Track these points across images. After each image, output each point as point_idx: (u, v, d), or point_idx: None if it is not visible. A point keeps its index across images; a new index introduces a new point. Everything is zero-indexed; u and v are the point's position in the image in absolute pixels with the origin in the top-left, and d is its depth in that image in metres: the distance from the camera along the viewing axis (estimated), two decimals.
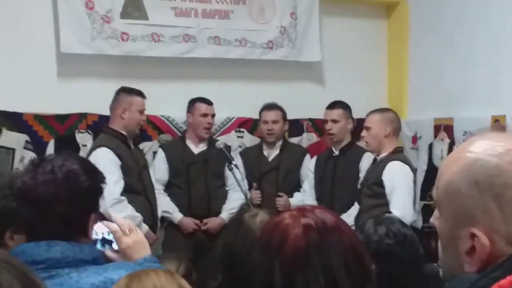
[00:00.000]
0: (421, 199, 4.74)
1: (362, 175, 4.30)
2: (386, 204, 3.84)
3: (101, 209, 3.82)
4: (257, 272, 1.39)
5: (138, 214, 3.99)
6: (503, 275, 0.95)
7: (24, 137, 4.41)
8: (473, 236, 1.01)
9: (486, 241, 0.99)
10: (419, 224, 4.68)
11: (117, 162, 3.96)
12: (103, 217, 3.69)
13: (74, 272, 1.65)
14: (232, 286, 1.89)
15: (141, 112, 4.17)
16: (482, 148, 1.04)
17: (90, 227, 1.77)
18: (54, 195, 1.66)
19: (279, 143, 4.73)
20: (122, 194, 3.93)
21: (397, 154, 4.02)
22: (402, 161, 3.96)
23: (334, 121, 4.49)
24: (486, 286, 0.94)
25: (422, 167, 4.81)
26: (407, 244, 2.00)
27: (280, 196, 4.57)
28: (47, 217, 1.67)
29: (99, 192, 1.77)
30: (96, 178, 1.76)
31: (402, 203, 3.78)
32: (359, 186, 4.25)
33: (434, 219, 1.14)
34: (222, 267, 1.93)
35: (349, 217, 4.00)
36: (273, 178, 4.67)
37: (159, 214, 4.34)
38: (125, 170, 3.99)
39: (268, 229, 1.42)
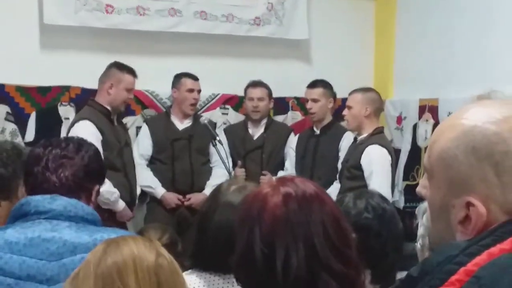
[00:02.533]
0: (404, 179, 4.76)
1: (342, 154, 4.33)
2: (365, 186, 3.87)
3: None
4: (238, 241, 1.39)
5: (115, 190, 3.96)
6: (493, 243, 0.94)
7: (5, 109, 4.35)
8: (468, 205, 0.99)
9: (483, 210, 0.97)
10: (401, 204, 4.70)
11: (98, 136, 3.91)
12: None
13: (73, 226, 1.75)
14: (203, 249, 1.91)
15: (129, 90, 4.13)
16: (480, 115, 1.02)
17: (94, 197, 1.90)
18: (65, 156, 1.82)
19: (264, 122, 4.72)
20: None
21: (377, 136, 4.04)
22: (380, 144, 3.98)
23: (314, 100, 4.49)
24: (476, 253, 0.92)
25: (406, 147, 4.81)
26: (386, 218, 1.99)
27: (264, 175, 4.56)
28: (56, 176, 1.79)
29: (103, 166, 1.97)
30: (102, 162, 1.98)
31: (379, 187, 3.79)
32: (339, 165, 4.26)
33: (421, 188, 1.12)
34: (196, 233, 1.96)
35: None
36: (257, 157, 4.66)
37: (141, 189, 4.32)
38: (106, 145, 3.94)
39: (248, 199, 1.43)
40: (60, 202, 1.76)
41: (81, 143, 1.91)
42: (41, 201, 1.76)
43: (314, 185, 1.43)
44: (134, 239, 1.46)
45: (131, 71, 4.13)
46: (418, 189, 1.14)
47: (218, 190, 1.99)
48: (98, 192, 1.93)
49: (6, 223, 1.81)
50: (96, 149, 1.95)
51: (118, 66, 4.13)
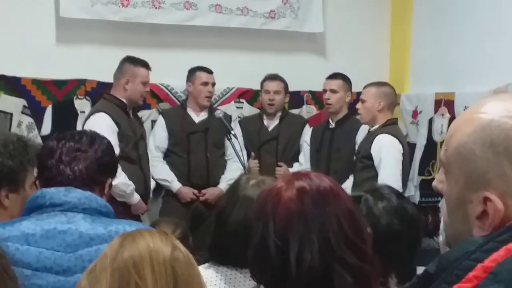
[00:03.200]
0: (419, 174, 4.73)
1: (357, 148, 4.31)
2: (377, 175, 3.87)
3: None
4: (253, 236, 1.40)
5: (131, 182, 3.99)
6: (511, 239, 0.93)
7: (22, 102, 4.37)
8: (485, 200, 0.98)
9: (501, 205, 0.96)
10: (417, 199, 4.68)
11: (114, 128, 3.94)
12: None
13: (88, 218, 1.77)
14: (221, 243, 1.92)
15: (145, 83, 4.15)
16: (497, 109, 1.01)
17: (107, 189, 1.92)
18: (79, 149, 1.83)
19: (279, 114, 4.71)
20: None
21: (388, 126, 4.04)
22: (391, 133, 3.98)
23: (333, 91, 4.47)
24: (493, 249, 0.91)
25: (422, 142, 4.79)
26: (405, 218, 1.98)
27: (280, 166, 4.56)
28: (70, 168, 1.81)
29: (116, 159, 1.98)
30: (115, 155, 2.00)
31: (388, 175, 3.80)
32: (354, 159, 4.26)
33: (437, 183, 1.11)
34: (214, 227, 1.96)
35: (345, 190, 3.99)
36: (272, 148, 4.65)
37: (155, 182, 4.34)
38: (122, 137, 3.96)
39: (263, 194, 1.43)
40: (74, 195, 1.78)
41: (94, 136, 1.92)
42: (56, 193, 1.78)
43: (329, 180, 1.43)
44: (150, 232, 1.46)
45: (145, 64, 4.14)
46: (434, 183, 1.13)
47: (236, 184, 1.99)
48: (111, 185, 1.95)
49: (21, 215, 1.82)
50: (109, 142, 1.96)
51: (132, 60, 4.14)
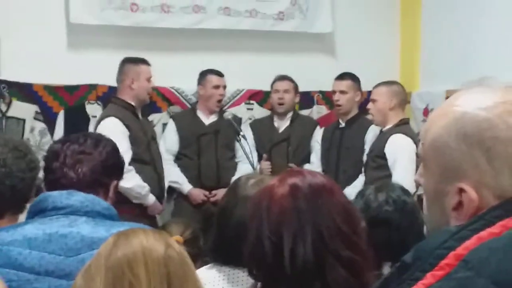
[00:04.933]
0: None
1: (367, 147, 4.31)
2: (390, 175, 3.87)
3: None
4: (248, 235, 1.42)
5: (145, 184, 4.02)
6: (482, 227, 0.94)
7: (34, 108, 4.44)
8: (460, 191, 1.00)
9: (475, 196, 0.98)
10: None
11: (126, 132, 3.97)
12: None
13: (90, 221, 1.77)
14: (223, 243, 1.92)
15: (149, 79, 4.19)
16: (470, 102, 1.02)
17: (112, 192, 1.91)
18: (84, 152, 1.85)
19: (290, 115, 4.72)
20: (130, 164, 3.94)
21: (401, 126, 4.03)
22: (405, 133, 3.97)
23: (342, 92, 4.47)
24: (465, 237, 0.92)
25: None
26: (407, 211, 1.99)
27: (291, 168, 4.56)
28: (74, 171, 1.82)
29: (121, 161, 1.97)
30: (121, 157, 1.99)
31: (403, 175, 3.77)
32: (364, 158, 4.25)
33: (418, 177, 1.13)
34: (216, 227, 1.97)
35: (354, 189, 3.97)
36: (283, 149, 4.66)
37: (168, 184, 4.37)
38: (134, 140, 4.00)
39: (257, 193, 1.46)
40: (77, 198, 1.78)
41: (99, 139, 1.93)
42: (58, 197, 1.78)
43: (323, 177, 1.45)
44: (144, 231, 1.48)
45: (145, 61, 4.19)
46: (415, 177, 1.15)
47: (236, 185, 1.99)
48: (116, 187, 1.94)
49: (25, 218, 1.84)
50: (115, 145, 1.96)
51: (131, 60, 4.19)
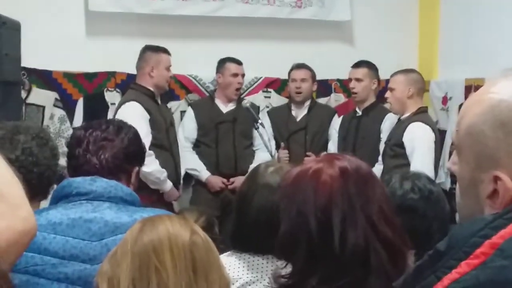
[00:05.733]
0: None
1: (384, 135, 4.29)
2: (408, 164, 3.84)
3: None
4: (284, 218, 1.41)
5: (164, 170, 4.04)
6: None
7: (53, 95, 4.47)
8: (496, 179, 0.99)
9: (511, 184, 0.97)
10: (447, 186, 4.62)
11: (146, 116, 4.00)
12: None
13: (114, 207, 1.79)
14: (243, 230, 1.94)
15: (168, 68, 4.21)
16: (507, 89, 1.01)
17: (134, 178, 1.93)
18: (106, 138, 1.87)
19: (307, 103, 4.70)
20: (149, 149, 3.96)
21: (420, 114, 4.01)
22: (423, 121, 3.95)
23: (358, 80, 4.45)
24: (501, 226, 0.92)
25: (452, 128, 4.73)
26: (432, 200, 1.98)
27: (308, 156, 4.56)
28: (97, 158, 1.84)
29: (143, 148, 1.99)
30: (142, 145, 2.00)
31: (421, 164, 3.76)
32: (380, 146, 4.23)
33: (451, 164, 1.12)
34: (235, 215, 1.99)
35: None
36: (301, 138, 4.66)
37: (186, 171, 4.38)
38: (153, 124, 4.03)
39: (299, 173, 1.43)
40: (100, 184, 1.80)
41: (121, 126, 1.94)
42: (82, 182, 1.80)
43: (365, 163, 1.46)
44: (169, 217, 1.49)
45: (165, 50, 4.21)
46: (448, 165, 1.14)
47: (255, 172, 2.00)
48: (137, 173, 1.96)
49: (49, 203, 1.85)
50: (136, 132, 1.98)
51: (152, 48, 4.20)
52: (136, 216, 1.77)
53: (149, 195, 3.92)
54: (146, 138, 3.95)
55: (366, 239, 1.34)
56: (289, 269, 1.43)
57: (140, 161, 1.99)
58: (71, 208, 1.77)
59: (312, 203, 1.36)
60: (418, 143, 3.88)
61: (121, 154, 1.87)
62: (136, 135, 1.96)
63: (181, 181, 4.36)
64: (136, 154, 1.95)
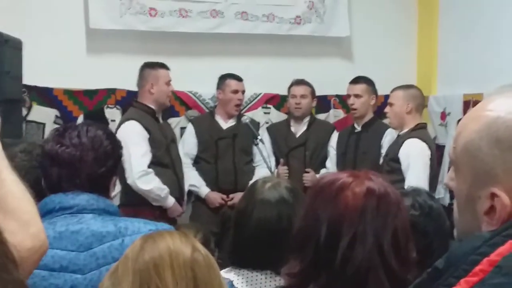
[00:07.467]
0: None
1: (384, 151, 4.30)
2: (403, 180, 3.84)
3: (129, 181, 3.92)
4: (301, 221, 1.42)
5: (165, 186, 4.05)
6: None
7: (54, 112, 4.49)
8: (493, 195, 0.99)
9: (507, 201, 0.98)
10: (446, 201, 4.63)
11: (145, 135, 4.01)
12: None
13: (98, 217, 1.80)
14: (242, 246, 1.94)
15: (168, 83, 4.22)
16: (503, 106, 1.02)
17: (111, 188, 1.91)
18: (81, 157, 1.82)
19: (307, 119, 4.72)
20: (149, 167, 3.98)
21: (418, 130, 4.01)
22: (420, 138, 3.95)
23: (357, 96, 4.47)
24: (499, 243, 0.93)
25: (451, 143, 4.74)
26: (433, 216, 1.98)
27: (307, 172, 4.57)
28: (74, 176, 1.82)
29: (119, 156, 1.94)
30: (117, 143, 1.93)
31: (417, 180, 3.76)
32: (380, 162, 4.24)
33: (448, 180, 1.13)
34: (234, 231, 1.99)
35: None
36: (300, 154, 4.66)
37: (187, 187, 4.39)
38: (153, 143, 4.04)
39: (327, 183, 1.43)
40: (82, 197, 1.81)
41: (93, 136, 1.86)
42: (64, 197, 1.81)
43: (391, 187, 1.45)
44: (170, 234, 1.48)
45: (163, 65, 4.22)
46: (445, 181, 1.14)
47: (253, 188, 2.00)
48: (115, 183, 1.94)
49: None
50: (111, 144, 1.89)
51: (149, 65, 4.22)
52: (121, 225, 1.80)
53: (152, 211, 3.93)
54: (146, 156, 3.98)
55: (370, 264, 1.33)
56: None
57: (116, 169, 1.94)
58: (56, 222, 1.78)
59: (329, 213, 1.37)
60: (414, 159, 3.88)
61: (97, 173, 1.84)
62: (113, 147, 1.89)
63: (185, 197, 4.36)
64: (112, 166, 1.89)
